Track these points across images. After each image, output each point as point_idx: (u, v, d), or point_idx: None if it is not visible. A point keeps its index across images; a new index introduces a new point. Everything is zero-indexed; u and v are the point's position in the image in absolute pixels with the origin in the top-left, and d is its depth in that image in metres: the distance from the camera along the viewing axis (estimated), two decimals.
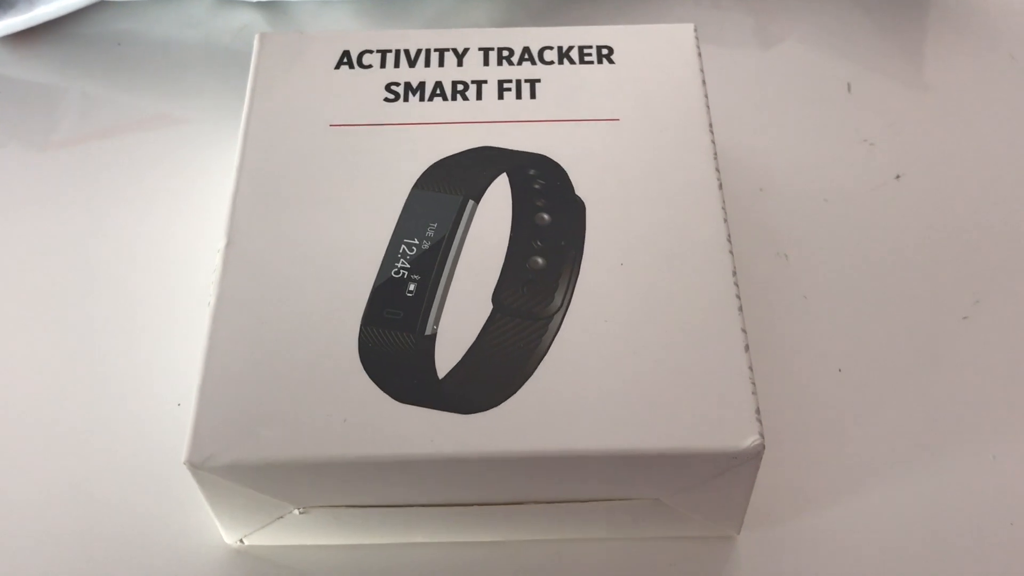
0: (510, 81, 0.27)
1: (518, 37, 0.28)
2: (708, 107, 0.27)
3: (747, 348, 0.22)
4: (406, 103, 0.27)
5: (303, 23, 0.36)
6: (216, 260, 0.24)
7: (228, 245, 0.24)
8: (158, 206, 0.32)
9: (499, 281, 0.23)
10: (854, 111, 0.33)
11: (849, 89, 0.34)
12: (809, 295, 0.29)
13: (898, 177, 0.31)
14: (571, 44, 0.28)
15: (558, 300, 0.23)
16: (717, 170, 0.25)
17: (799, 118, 0.33)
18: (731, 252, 0.24)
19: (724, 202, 0.25)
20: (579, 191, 0.25)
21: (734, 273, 0.23)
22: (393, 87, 0.27)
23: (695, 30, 0.28)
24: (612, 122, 0.26)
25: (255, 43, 0.28)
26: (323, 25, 0.36)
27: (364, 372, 0.22)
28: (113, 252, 0.30)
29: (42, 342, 0.29)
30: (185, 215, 0.31)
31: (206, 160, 0.33)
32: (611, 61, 0.27)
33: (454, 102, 0.27)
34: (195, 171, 0.32)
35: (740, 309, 0.23)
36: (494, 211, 0.24)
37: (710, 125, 0.26)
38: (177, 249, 0.30)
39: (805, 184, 0.31)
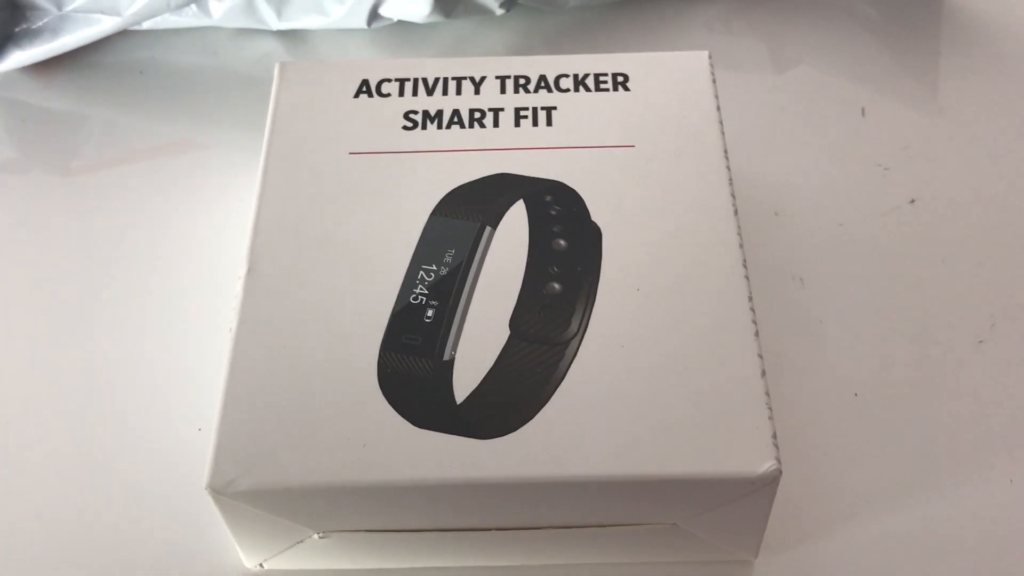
0: (527, 109, 0.27)
1: (534, 65, 0.28)
2: (723, 133, 0.27)
3: (763, 373, 0.22)
4: (424, 131, 0.27)
5: (322, 52, 0.37)
6: (237, 287, 0.24)
7: (249, 272, 0.24)
8: (179, 231, 0.32)
9: (516, 307, 0.23)
10: (868, 135, 0.34)
11: (863, 113, 0.34)
12: (825, 319, 0.29)
13: (913, 201, 0.31)
14: (587, 72, 0.28)
15: (575, 326, 0.23)
16: (732, 196, 0.25)
17: (813, 142, 0.34)
18: (747, 277, 0.24)
19: (740, 228, 0.25)
20: (595, 217, 0.25)
21: (750, 298, 0.24)
22: (411, 115, 0.27)
23: (710, 57, 0.28)
24: (627, 148, 0.26)
25: (275, 72, 0.29)
26: (342, 54, 0.37)
27: (383, 397, 0.22)
28: (134, 277, 0.31)
29: (62, 366, 0.29)
30: (206, 240, 0.32)
31: (226, 186, 0.33)
32: (626, 88, 0.28)
33: (471, 130, 0.27)
34: (216, 197, 0.33)
35: (756, 334, 0.23)
36: (511, 237, 0.25)
37: (725, 151, 0.26)
38: (198, 274, 0.31)
39: (820, 208, 0.32)
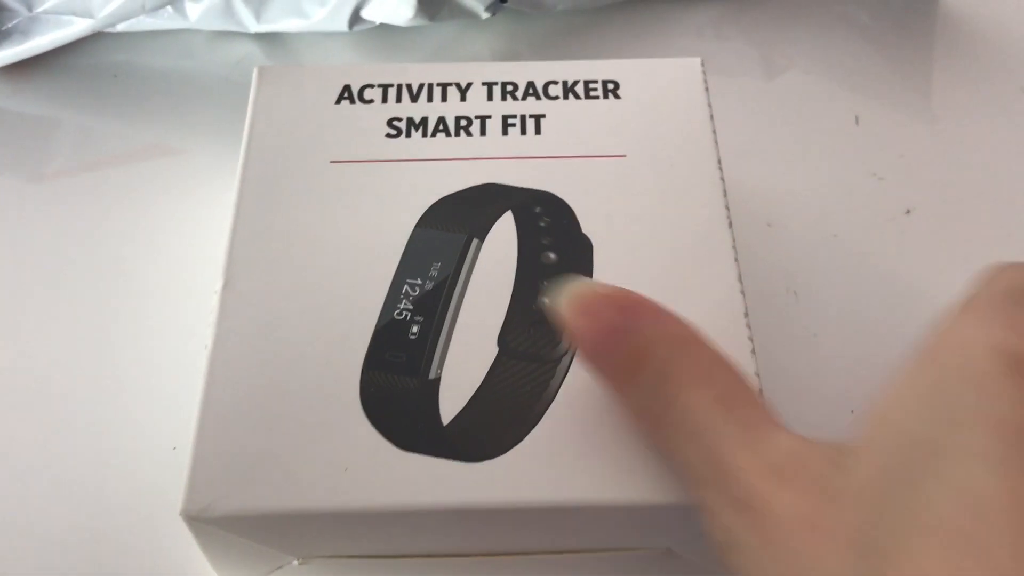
0: (514, 116, 0.27)
1: (522, 71, 0.28)
2: (716, 143, 0.26)
3: (761, 392, 0.22)
4: (408, 139, 0.26)
5: (302, 56, 0.36)
6: (213, 301, 0.23)
7: (225, 286, 0.23)
8: (154, 239, 0.31)
9: (505, 323, 0.23)
10: (862, 144, 0.33)
11: (857, 122, 0.33)
12: (819, 333, 0.28)
13: (908, 212, 0.31)
14: (576, 79, 0.27)
15: (565, 343, 0.22)
16: (727, 207, 0.25)
17: (806, 151, 0.33)
18: (743, 292, 0.23)
19: (735, 241, 0.24)
20: (586, 229, 0.24)
21: (746, 315, 0.23)
22: (395, 122, 0.26)
23: (702, 64, 0.28)
24: (619, 158, 0.26)
25: (254, 76, 0.28)
26: (322, 58, 0.36)
27: (366, 418, 0.21)
28: (108, 286, 0.30)
29: (29, 378, 0.28)
30: (182, 248, 0.31)
31: (203, 192, 0.32)
32: (617, 96, 0.27)
33: (457, 138, 0.26)
34: (192, 204, 0.32)
35: (753, 352, 0.22)
36: (499, 250, 0.24)
37: (719, 161, 0.26)
38: (174, 284, 0.30)
39: (814, 219, 0.31)
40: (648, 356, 0.19)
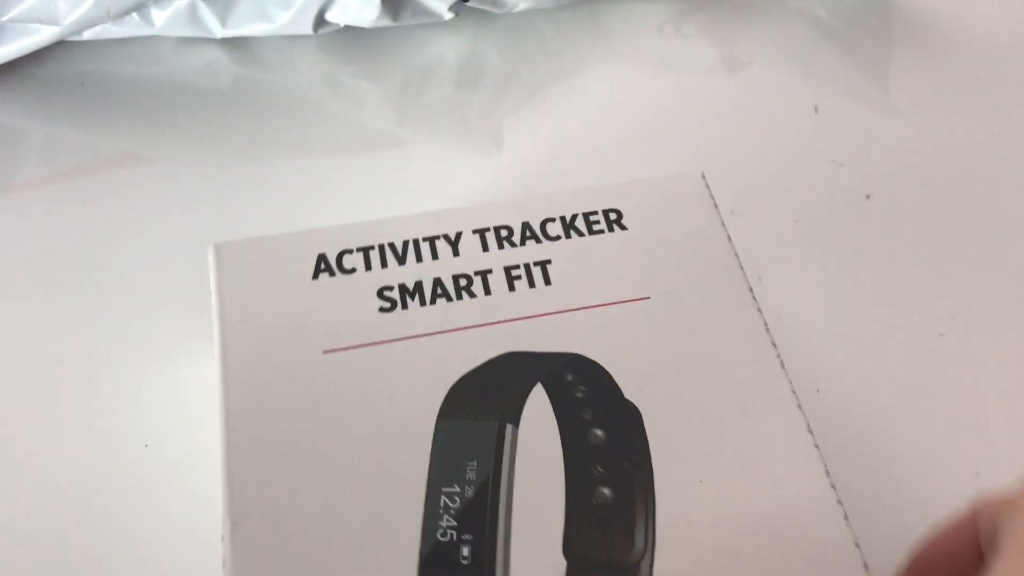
0: (517, 267, 0.24)
1: (514, 212, 0.25)
2: (740, 263, 0.24)
3: (862, 558, 0.19)
4: (405, 310, 0.23)
5: (269, 60, 0.35)
6: (223, 550, 0.20)
7: (234, 528, 0.20)
8: (126, 248, 0.30)
9: (566, 527, 0.20)
10: (822, 133, 0.33)
11: (816, 111, 0.34)
12: (784, 316, 0.28)
13: (868, 197, 0.31)
14: (574, 212, 0.25)
15: (640, 541, 0.20)
16: (773, 344, 0.22)
17: (768, 141, 0.33)
18: (810, 430, 0.21)
19: (791, 382, 0.22)
20: (627, 392, 0.22)
21: (827, 471, 0.21)
22: (386, 292, 0.23)
23: (703, 177, 0.25)
24: (643, 301, 0.23)
25: (211, 257, 0.24)
26: (289, 60, 0.35)
27: None
28: (79, 297, 0.29)
29: None
30: (154, 260, 0.29)
31: (175, 200, 0.31)
32: (623, 227, 0.25)
33: (460, 301, 0.23)
34: (164, 211, 0.31)
35: (839, 502, 0.20)
36: (537, 431, 0.21)
37: (751, 289, 0.23)
38: (147, 293, 0.29)
39: (776, 206, 0.31)
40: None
